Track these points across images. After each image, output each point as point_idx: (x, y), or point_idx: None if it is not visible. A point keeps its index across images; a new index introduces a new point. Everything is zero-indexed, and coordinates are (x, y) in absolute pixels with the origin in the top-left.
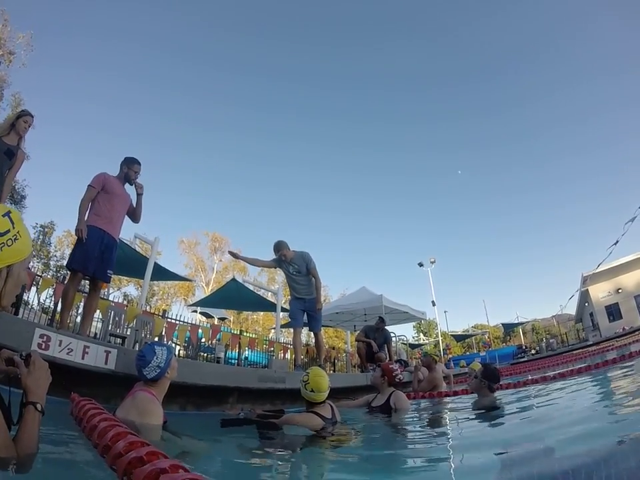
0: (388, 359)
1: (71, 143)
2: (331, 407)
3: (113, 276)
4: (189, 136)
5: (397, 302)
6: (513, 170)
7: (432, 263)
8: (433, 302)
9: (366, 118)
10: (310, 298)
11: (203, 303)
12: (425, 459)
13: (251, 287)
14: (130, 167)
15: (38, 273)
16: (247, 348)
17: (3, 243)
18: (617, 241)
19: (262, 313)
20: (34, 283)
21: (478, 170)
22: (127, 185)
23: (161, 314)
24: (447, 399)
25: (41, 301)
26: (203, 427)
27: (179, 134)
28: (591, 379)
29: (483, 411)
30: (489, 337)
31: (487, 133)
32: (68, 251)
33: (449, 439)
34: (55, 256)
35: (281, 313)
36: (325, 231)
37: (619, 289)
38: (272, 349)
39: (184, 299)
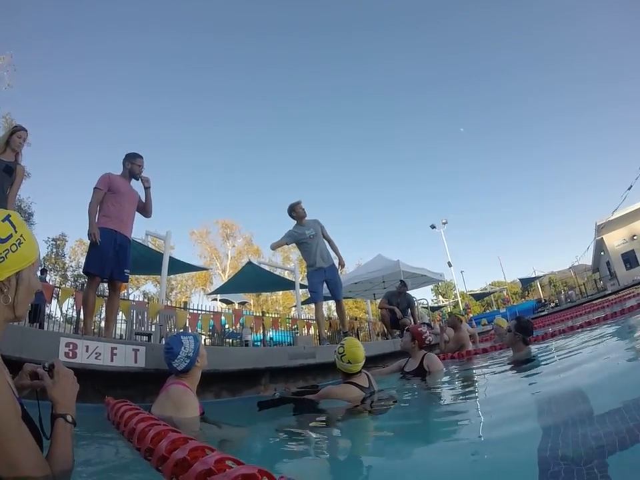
0: (412, 323)
1: (70, 143)
2: (367, 376)
3: (130, 276)
4: (184, 127)
5: (414, 266)
6: (524, 125)
7: (444, 224)
8: (449, 263)
9: (368, 89)
10: (329, 265)
11: (221, 290)
12: (464, 424)
13: (267, 268)
14: (133, 162)
15: (57, 285)
16: (270, 328)
17: (7, 249)
18: (631, 186)
19: (281, 292)
20: (54, 295)
21: (488, 126)
22: (133, 181)
23: (182, 306)
24: (477, 357)
25: (64, 311)
26: (240, 412)
27: (175, 126)
28: (616, 327)
29: (519, 364)
30: (507, 294)
31: (497, 89)
32: (82, 259)
33: (487, 400)
34: (71, 266)
35: (300, 290)
36: (333, 206)
37: (634, 235)
38: (295, 326)
39: (202, 288)
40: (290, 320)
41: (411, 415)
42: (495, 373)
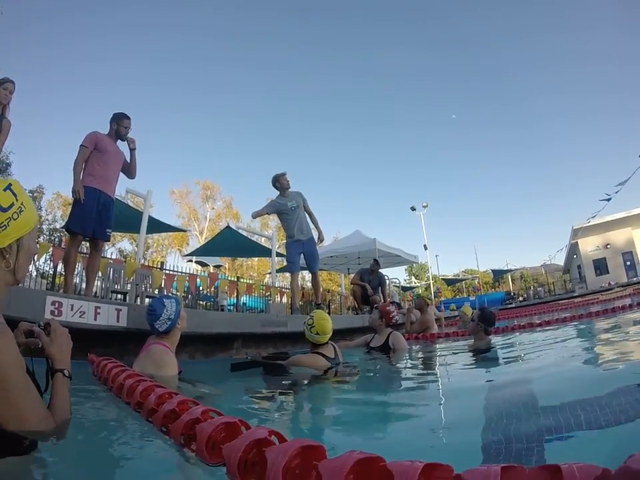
0: (382, 301)
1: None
2: (334, 347)
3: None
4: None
5: (390, 245)
6: (521, 124)
7: (424, 207)
8: (424, 246)
9: (354, 67)
10: (307, 238)
11: (198, 252)
12: (421, 402)
13: (245, 234)
14: (119, 123)
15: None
16: (244, 294)
17: (9, 217)
18: (610, 198)
19: (257, 258)
20: None
21: (483, 120)
22: (119, 142)
23: (159, 266)
24: (439, 340)
25: (38, 266)
26: (213, 373)
27: (164, 87)
28: (575, 329)
29: (478, 353)
30: (478, 282)
31: (483, 85)
32: (59, 213)
33: (446, 381)
34: (47, 220)
35: (277, 258)
36: (315, 178)
37: (608, 244)
38: (268, 293)
39: (179, 249)
40: (264, 287)
41: (372, 387)
42: (455, 358)
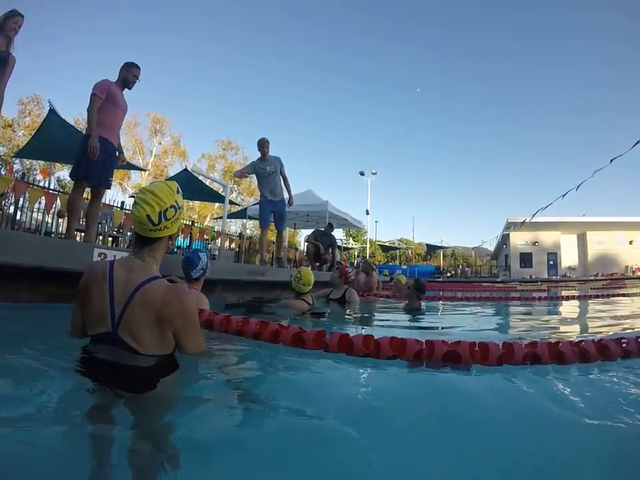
0: (332, 259)
1: None
2: (311, 296)
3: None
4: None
5: (340, 209)
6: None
7: (373, 174)
8: (367, 211)
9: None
10: (279, 200)
11: None
12: (367, 329)
13: (201, 178)
14: (129, 71)
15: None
16: (193, 238)
17: (181, 212)
18: (547, 206)
19: (198, 201)
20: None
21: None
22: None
23: (119, 206)
24: (380, 300)
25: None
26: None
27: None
28: (491, 308)
29: (410, 312)
30: (412, 253)
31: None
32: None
33: (387, 322)
34: None
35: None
36: (267, 130)
37: (536, 242)
38: (207, 238)
39: (119, 183)
40: (216, 232)
41: (336, 322)
42: (393, 313)
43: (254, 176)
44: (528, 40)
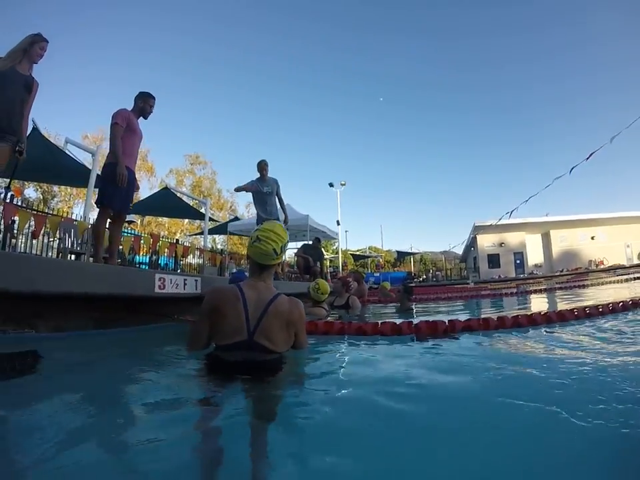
0: (321, 271)
1: None
2: (327, 303)
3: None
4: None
5: (319, 223)
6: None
7: (342, 185)
8: (337, 221)
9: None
10: (274, 219)
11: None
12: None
13: (178, 194)
14: (146, 102)
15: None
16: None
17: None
18: (512, 211)
19: (167, 218)
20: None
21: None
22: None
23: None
24: (372, 304)
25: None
26: None
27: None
28: (464, 304)
29: (405, 311)
30: (382, 261)
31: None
32: None
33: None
34: None
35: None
36: (245, 138)
37: (502, 243)
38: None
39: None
40: (199, 250)
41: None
42: (391, 313)
43: (225, 190)
44: (492, 41)
